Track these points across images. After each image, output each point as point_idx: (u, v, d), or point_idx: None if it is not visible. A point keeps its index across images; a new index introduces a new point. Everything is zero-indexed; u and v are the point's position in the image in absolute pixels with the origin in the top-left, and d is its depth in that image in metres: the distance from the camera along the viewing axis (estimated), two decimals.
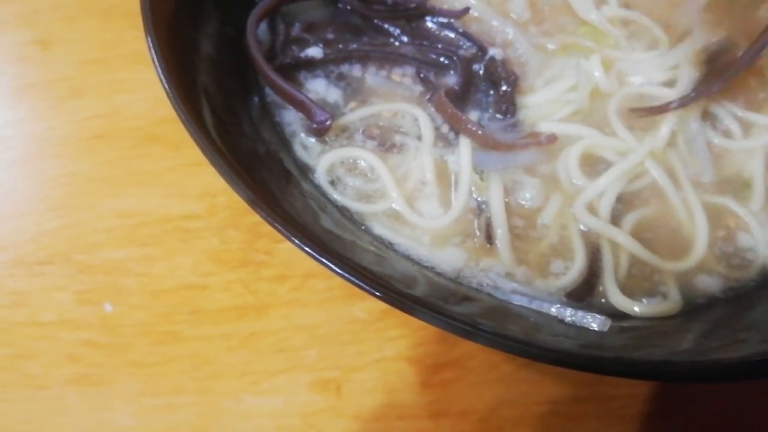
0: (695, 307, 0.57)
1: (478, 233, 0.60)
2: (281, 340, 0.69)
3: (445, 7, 0.71)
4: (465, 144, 0.63)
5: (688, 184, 0.63)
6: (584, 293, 0.57)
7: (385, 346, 0.68)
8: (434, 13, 0.70)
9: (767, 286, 0.59)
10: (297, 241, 0.46)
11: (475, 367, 0.66)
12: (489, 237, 0.60)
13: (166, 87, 0.55)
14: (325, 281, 0.71)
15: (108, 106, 0.84)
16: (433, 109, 0.67)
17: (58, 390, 0.68)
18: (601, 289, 0.58)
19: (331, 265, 0.45)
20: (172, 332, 0.70)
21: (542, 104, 0.67)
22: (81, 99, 0.85)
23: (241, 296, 0.71)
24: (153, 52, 0.57)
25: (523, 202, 0.63)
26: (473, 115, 0.66)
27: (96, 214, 0.77)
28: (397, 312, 0.69)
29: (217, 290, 0.72)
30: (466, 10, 0.70)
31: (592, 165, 0.64)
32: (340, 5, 0.71)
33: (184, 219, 0.76)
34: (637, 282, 0.59)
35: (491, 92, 0.67)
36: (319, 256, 0.45)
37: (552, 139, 0.62)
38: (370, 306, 0.70)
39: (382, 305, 0.69)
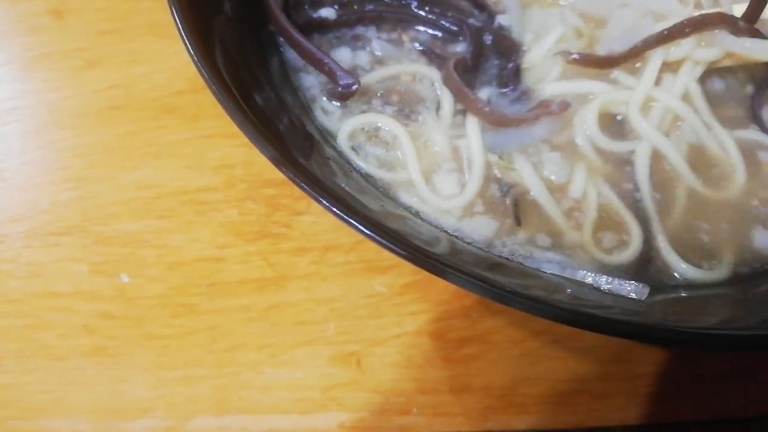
0: (744, 277, 0.55)
1: (506, 217, 0.58)
2: (300, 312, 0.68)
3: None
4: (472, 123, 0.61)
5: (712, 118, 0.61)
6: (642, 266, 0.55)
7: (406, 321, 0.66)
8: None
9: None
10: (322, 199, 0.45)
11: (498, 342, 0.65)
12: (518, 219, 0.58)
13: (190, 49, 0.53)
14: (344, 255, 0.70)
15: (124, 77, 0.83)
16: None
17: (74, 361, 0.67)
18: (658, 263, 0.56)
19: (357, 224, 0.44)
20: (189, 305, 0.69)
21: (538, 63, 0.64)
22: (96, 70, 0.84)
23: (260, 268, 0.70)
24: (175, 15, 0.55)
25: (552, 177, 0.61)
26: (485, 91, 0.64)
27: (112, 186, 0.76)
28: (418, 286, 0.69)
29: (235, 262, 0.71)
30: None
31: (611, 125, 0.62)
32: None
33: (201, 191, 0.74)
34: (690, 246, 0.58)
35: (497, 63, 0.64)
36: (345, 215, 0.44)
37: (564, 105, 0.59)
38: (390, 280, 0.68)
39: (402, 279, 0.69)
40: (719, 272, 0.56)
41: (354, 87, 0.60)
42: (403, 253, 0.43)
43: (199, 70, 0.52)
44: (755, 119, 0.64)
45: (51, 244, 0.72)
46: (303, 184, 0.45)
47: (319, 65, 0.62)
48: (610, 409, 0.62)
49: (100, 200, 0.75)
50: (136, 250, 0.72)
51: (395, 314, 0.67)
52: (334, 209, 0.44)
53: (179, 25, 0.53)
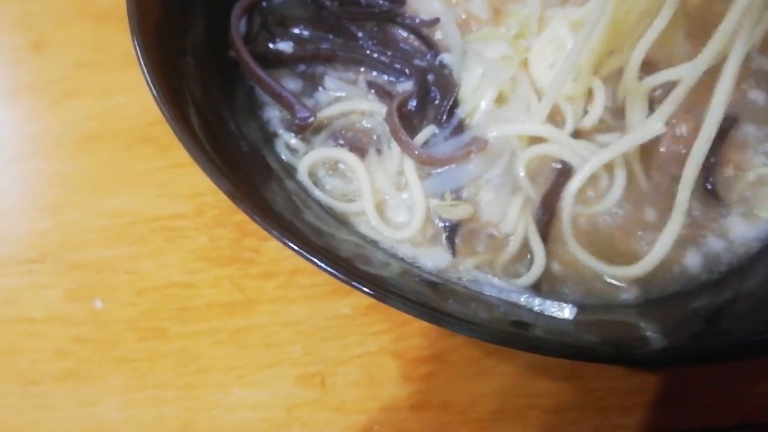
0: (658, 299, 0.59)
1: (446, 245, 0.63)
2: (268, 335, 0.71)
3: (416, 17, 0.73)
4: (410, 166, 0.65)
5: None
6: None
7: (369, 341, 0.69)
8: (404, 19, 0.72)
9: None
10: (276, 234, 0.48)
11: (456, 361, 0.67)
12: (453, 251, 0.62)
13: (153, 89, 0.56)
14: (310, 278, 0.72)
15: (102, 107, 0.86)
16: None
17: (47, 386, 0.69)
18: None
19: (311, 257, 0.47)
20: (159, 328, 0.71)
21: (469, 95, 0.68)
22: (75, 100, 0.87)
23: (229, 293, 0.73)
24: (139, 55, 0.59)
25: (486, 214, 0.64)
26: (428, 129, 0.67)
27: (88, 214, 0.78)
28: (380, 307, 0.72)
29: (205, 287, 0.73)
30: (436, 20, 0.72)
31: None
32: (315, 3, 0.72)
33: (172, 218, 0.77)
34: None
35: (438, 101, 0.68)
36: (300, 249, 0.47)
37: (482, 144, 0.63)
38: (354, 302, 0.71)
39: (366, 301, 0.71)
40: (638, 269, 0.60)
41: (310, 120, 0.63)
42: (343, 278, 0.45)
43: (160, 107, 0.55)
44: None
45: (26, 271, 0.75)
46: (258, 218, 0.48)
47: (278, 98, 0.65)
48: (563, 422, 0.65)
49: (75, 228, 0.77)
50: (109, 277, 0.74)
51: (358, 335, 0.70)
52: (287, 242, 0.47)
53: (142, 62, 0.56)
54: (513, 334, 0.44)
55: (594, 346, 0.44)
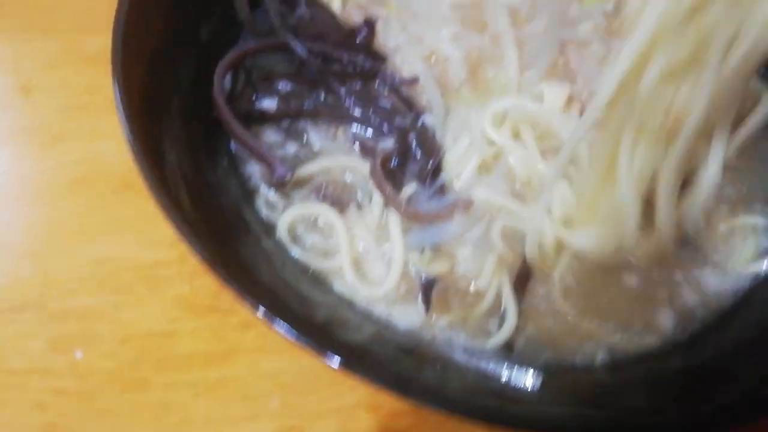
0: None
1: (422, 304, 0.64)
2: (246, 386, 0.71)
3: (397, 75, 0.75)
4: (394, 220, 0.67)
5: None
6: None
7: (346, 394, 0.70)
8: (384, 77, 0.74)
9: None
10: (247, 302, 0.48)
11: (431, 415, 0.68)
12: (427, 307, 0.64)
13: (130, 142, 0.57)
14: None
15: (88, 151, 0.87)
16: None
17: None
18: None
19: (282, 330, 0.48)
20: (140, 379, 0.72)
21: (454, 162, 0.70)
22: (61, 145, 0.88)
23: (209, 343, 0.73)
24: (119, 101, 0.59)
25: (462, 269, 0.66)
26: (410, 186, 0.69)
27: (71, 261, 0.79)
28: None
29: (185, 337, 0.74)
30: (416, 79, 0.74)
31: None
32: (300, 59, 0.74)
33: (155, 266, 0.78)
34: None
35: (421, 161, 0.70)
36: (272, 318, 0.48)
37: (467, 205, 0.65)
38: None
39: None
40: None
41: (288, 176, 0.65)
42: (314, 350, 0.46)
43: (139, 168, 0.56)
44: None
45: (7, 320, 0.75)
46: (228, 284, 0.49)
47: (258, 156, 0.67)
48: None
49: (59, 276, 0.78)
50: (91, 326, 0.75)
51: (335, 388, 0.70)
52: (258, 312, 0.48)
53: (121, 109, 0.57)
54: (478, 409, 0.45)
55: (561, 422, 0.45)
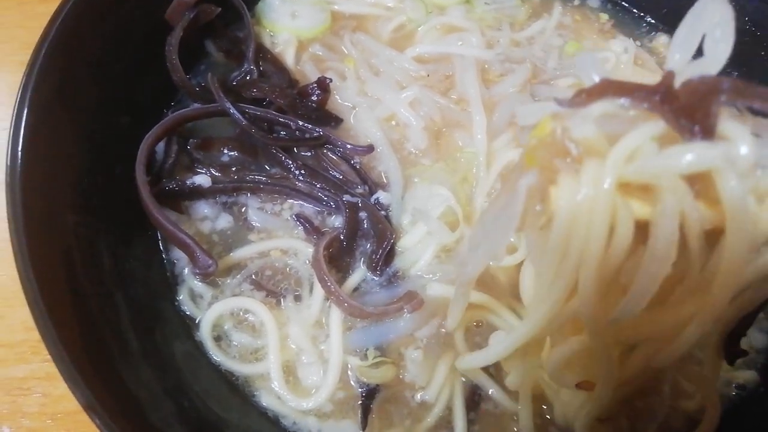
0: None
1: (359, 415, 0.58)
2: None
3: (350, 143, 0.69)
4: (336, 317, 0.60)
5: None
6: None
7: None
8: (338, 145, 0.68)
9: None
10: None
11: None
12: (364, 423, 0.58)
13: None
14: None
15: None
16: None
17: None
18: None
19: None
20: None
21: (410, 248, 0.65)
22: None
23: None
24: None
25: (410, 375, 0.60)
26: (358, 273, 0.63)
27: (4, 326, 0.75)
28: None
29: None
30: (371, 148, 0.67)
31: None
32: (243, 125, 0.67)
33: None
34: None
35: (371, 245, 0.64)
36: None
37: (417, 304, 0.60)
38: None
39: None
40: None
41: (211, 269, 0.58)
42: None
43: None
44: None
45: None
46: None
47: (180, 245, 0.60)
48: None
49: None
50: (20, 400, 0.71)
51: None
52: None
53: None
54: None
55: None
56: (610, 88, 0.42)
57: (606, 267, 0.41)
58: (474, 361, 0.56)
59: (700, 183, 0.40)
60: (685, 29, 0.43)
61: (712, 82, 0.40)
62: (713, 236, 0.41)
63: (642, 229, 0.41)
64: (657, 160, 0.39)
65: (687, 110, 0.39)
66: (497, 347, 0.52)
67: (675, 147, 0.39)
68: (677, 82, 0.41)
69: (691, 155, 0.38)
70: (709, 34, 0.42)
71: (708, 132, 0.38)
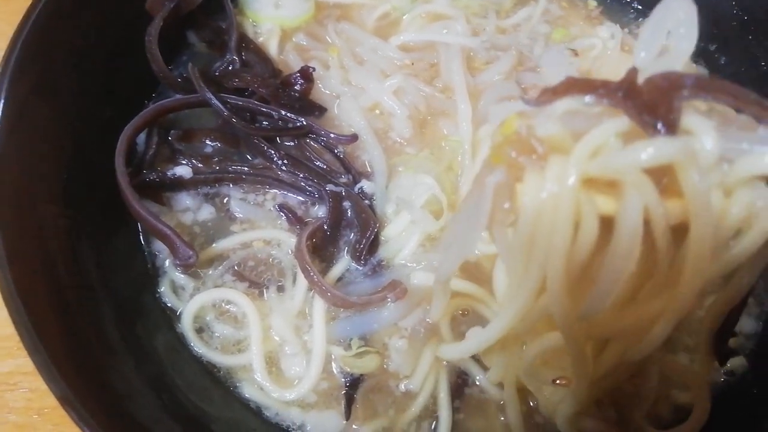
0: None
1: (343, 404, 0.57)
2: None
3: (333, 133, 0.68)
4: (319, 308, 0.60)
5: None
6: None
7: None
8: (321, 135, 0.67)
9: None
10: None
11: None
12: (348, 413, 0.57)
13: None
14: None
15: None
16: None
17: None
18: None
19: None
20: None
21: (395, 237, 0.64)
22: None
23: None
24: None
25: (394, 364, 0.60)
26: (342, 263, 0.62)
27: None
28: None
29: None
30: (355, 137, 0.67)
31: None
32: (225, 116, 0.66)
33: None
34: None
35: (354, 235, 0.63)
36: None
37: (401, 293, 0.59)
38: None
39: None
40: None
41: (191, 260, 0.58)
42: None
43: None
44: None
45: None
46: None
47: (160, 236, 0.60)
48: None
49: None
50: (6, 393, 0.70)
51: None
52: None
53: None
54: None
55: None
56: (574, 86, 0.42)
57: (573, 263, 0.41)
58: (449, 353, 0.56)
59: (667, 178, 0.39)
60: (651, 27, 0.43)
61: (674, 78, 0.40)
62: (681, 232, 0.40)
63: (610, 226, 0.40)
64: (619, 156, 0.39)
65: (650, 106, 0.39)
66: (471, 342, 0.52)
67: (637, 142, 0.38)
68: (642, 79, 0.40)
69: (652, 149, 0.37)
70: (674, 31, 0.42)
71: (671, 127, 0.38)
